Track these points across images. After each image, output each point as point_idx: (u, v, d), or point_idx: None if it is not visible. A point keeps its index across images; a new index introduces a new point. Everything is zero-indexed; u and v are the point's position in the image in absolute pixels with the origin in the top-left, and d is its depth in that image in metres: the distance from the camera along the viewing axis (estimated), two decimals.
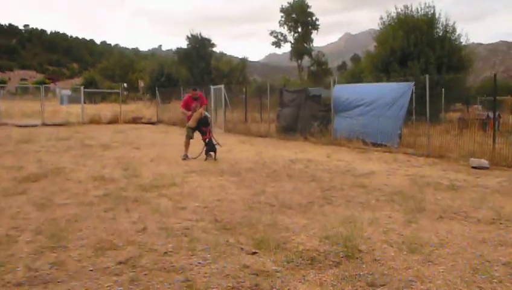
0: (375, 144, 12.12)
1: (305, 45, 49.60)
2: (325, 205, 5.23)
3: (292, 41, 49.52)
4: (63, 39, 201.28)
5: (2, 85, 63.39)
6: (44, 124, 20.09)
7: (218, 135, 15.39)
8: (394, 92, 12.79)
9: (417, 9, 25.48)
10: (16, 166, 7.69)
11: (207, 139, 9.43)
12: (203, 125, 9.53)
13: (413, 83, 12.75)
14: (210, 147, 9.38)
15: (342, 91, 14.31)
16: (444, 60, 23.51)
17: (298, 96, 15.46)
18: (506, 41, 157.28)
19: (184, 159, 9.41)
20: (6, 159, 8.61)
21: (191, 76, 42.26)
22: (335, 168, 8.38)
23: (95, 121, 21.77)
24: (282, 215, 4.69)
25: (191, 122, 9.64)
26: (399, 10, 25.61)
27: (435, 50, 23.51)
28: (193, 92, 9.84)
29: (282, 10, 48.59)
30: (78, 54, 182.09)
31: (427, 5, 25.10)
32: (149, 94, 43.98)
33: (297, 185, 6.41)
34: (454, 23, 24.90)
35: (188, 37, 42.90)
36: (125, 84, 60.18)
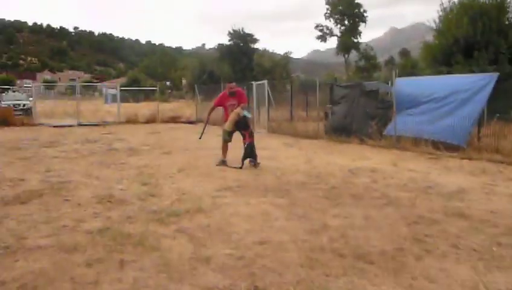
0: (447, 148, 10.02)
1: (352, 38, 46.94)
2: (424, 256, 3.39)
3: (338, 35, 47.00)
4: (110, 39, 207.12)
5: (50, 84, 64.99)
6: (80, 125, 19.22)
7: (261, 137, 13.76)
8: (473, 85, 10.60)
9: None
10: (15, 178, 6.34)
11: (246, 143, 7.80)
12: (242, 128, 7.91)
13: (497, 74, 10.49)
14: (249, 153, 7.76)
15: (406, 85, 12.21)
16: None
17: (351, 92, 13.50)
18: None
19: (219, 165, 7.83)
20: (11, 169, 7.33)
21: (233, 73, 40.91)
22: (410, 182, 6.46)
23: (131, 120, 20.70)
24: (362, 279, 2.92)
25: (228, 125, 8.04)
26: None
27: (507, 38, 20.65)
28: (229, 86, 8.22)
29: (328, 2, 46.15)
30: (124, 54, 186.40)
31: None
32: (191, 92, 43.11)
33: (369, 213, 4.59)
34: None
35: (230, 32, 41.54)
36: (167, 83, 59.98)
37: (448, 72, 18.60)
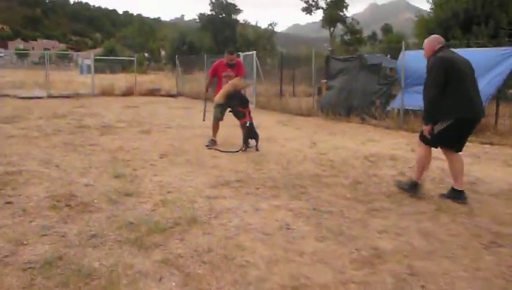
0: None
1: (337, 11, 45.35)
2: None
3: (324, 7, 45.31)
4: (86, 9, 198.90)
5: (23, 51, 61.49)
6: (50, 96, 17.43)
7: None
8: (492, 60, 9.47)
9: None
10: None
11: (247, 123, 6.51)
12: (240, 105, 6.60)
13: None
14: (250, 133, 6.49)
15: (415, 59, 10.98)
16: None
17: (351, 66, 12.21)
18: None
19: (210, 146, 6.56)
20: None
21: (215, 44, 39.02)
22: (446, 176, 5.30)
23: (107, 92, 18.96)
24: None
25: (219, 98, 6.73)
26: None
27: (508, 12, 19.59)
28: (229, 55, 6.83)
29: None
30: (101, 24, 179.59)
31: None
32: (170, 64, 41.05)
33: (425, 227, 3.39)
34: None
35: (211, 2, 39.38)
36: (146, 54, 57.25)
37: (448, 47, 17.50)
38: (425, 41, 4.38)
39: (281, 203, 3.91)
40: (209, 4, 39.71)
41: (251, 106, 15.17)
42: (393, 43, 45.44)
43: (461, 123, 4.01)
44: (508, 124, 9.09)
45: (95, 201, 3.78)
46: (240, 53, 16.83)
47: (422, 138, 4.24)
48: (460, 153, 4.29)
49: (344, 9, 46.59)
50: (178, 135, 8.07)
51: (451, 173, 4.31)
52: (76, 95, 18.09)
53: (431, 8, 22.59)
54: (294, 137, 8.28)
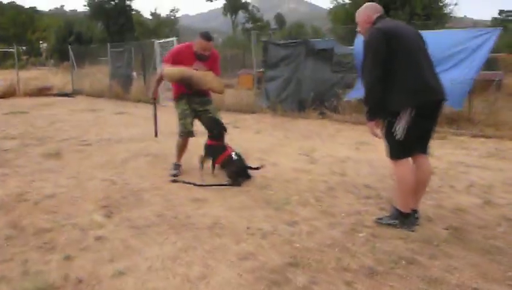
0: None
1: None
2: None
3: None
4: None
5: None
6: None
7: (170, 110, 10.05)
8: (468, 42, 8.32)
9: None
10: None
11: (233, 156, 4.25)
12: (215, 129, 4.32)
13: (501, 29, 8.32)
14: (238, 171, 4.23)
15: None
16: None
17: (295, 52, 10.38)
18: None
19: (176, 178, 4.19)
20: None
21: (108, 35, 34.73)
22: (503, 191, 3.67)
23: None
24: None
25: (173, 74, 4.34)
26: None
27: None
28: (204, 41, 4.30)
29: None
30: None
31: None
32: (54, 58, 35.69)
33: None
34: None
35: None
36: (23, 47, 49.53)
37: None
38: (358, 12, 3.25)
39: None
40: None
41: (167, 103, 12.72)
42: (294, 30, 45.43)
43: (423, 111, 2.91)
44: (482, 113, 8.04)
45: None
46: (155, 40, 14.11)
47: (392, 153, 3.07)
48: (426, 154, 3.16)
49: None
50: (106, 156, 5.43)
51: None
52: None
53: None
54: (269, 147, 6.15)
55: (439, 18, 20.47)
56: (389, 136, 3.00)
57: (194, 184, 4.06)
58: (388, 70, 2.89)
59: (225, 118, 9.37)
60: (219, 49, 14.89)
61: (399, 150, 3.01)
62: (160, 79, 4.83)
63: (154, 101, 5.72)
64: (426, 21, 18.82)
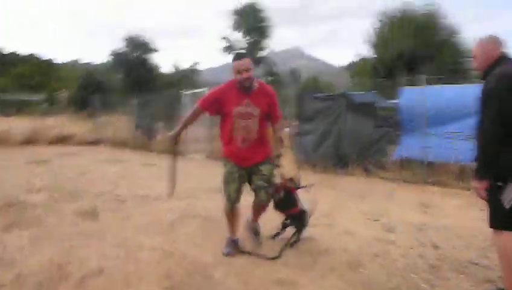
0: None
1: (259, 52, 44.41)
2: None
3: (246, 46, 43.95)
4: None
5: None
6: None
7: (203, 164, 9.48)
8: None
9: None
10: None
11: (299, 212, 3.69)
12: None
13: None
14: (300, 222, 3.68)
15: (411, 98, 8.92)
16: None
17: (333, 105, 9.87)
18: None
19: (229, 252, 3.49)
20: None
21: (127, 85, 35.08)
22: None
23: (1, 140, 14.41)
24: None
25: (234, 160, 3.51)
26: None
27: (451, 49, 19.47)
28: (236, 62, 3.29)
29: (236, 12, 43.00)
30: None
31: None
32: (73, 106, 35.96)
33: None
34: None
35: (126, 39, 35.70)
36: (41, 96, 50.24)
37: (392, 87, 16.53)
38: (477, 42, 2.79)
39: None
40: (124, 40, 35.85)
41: (201, 157, 12.18)
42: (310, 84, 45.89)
43: None
44: None
45: None
46: (180, 91, 13.85)
47: (496, 221, 2.63)
48: None
49: (263, 51, 45.87)
50: (148, 217, 4.75)
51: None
52: None
53: (373, 49, 21.75)
54: (326, 209, 5.42)
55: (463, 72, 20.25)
56: (494, 201, 2.60)
57: (267, 258, 3.34)
58: (509, 126, 2.50)
59: None
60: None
61: (503, 220, 2.59)
62: (189, 122, 3.58)
63: (174, 147, 3.78)
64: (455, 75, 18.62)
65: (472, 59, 2.87)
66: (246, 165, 3.46)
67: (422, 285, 2.94)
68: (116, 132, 16.21)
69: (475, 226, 4.62)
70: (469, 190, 7.14)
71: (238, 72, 3.24)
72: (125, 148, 13.96)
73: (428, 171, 7.94)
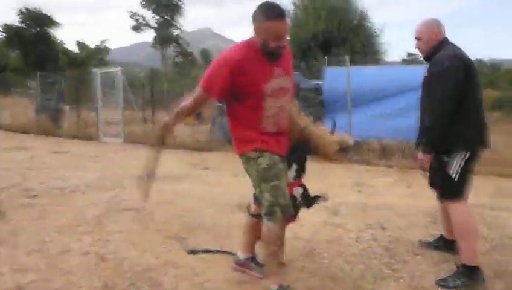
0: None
1: (170, 31, 42.89)
2: None
3: (156, 26, 42.09)
4: None
5: None
6: None
7: (123, 149, 8.84)
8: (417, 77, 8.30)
9: None
10: None
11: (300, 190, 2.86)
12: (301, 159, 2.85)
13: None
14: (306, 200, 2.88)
15: (336, 78, 9.12)
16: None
17: None
18: None
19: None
20: None
21: (25, 64, 31.80)
22: None
23: None
24: None
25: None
26: None
27: (360, 36, 20.34)
28: (275, 22, 2.21)
29: None
30: None
31: None
32: None
33: None
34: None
35: (21, 12, 32.15)
36: None
37: (307, 67, 16.95)
38: (421, 25, 2.84)
39: None
40: (18, 15, 32.24)
41: (118, 140, 11.32)
42: None
43: (474, 156, 2.71)
44: None
45: None
46: (93, 69, 12.73)
47: (448, 193, 2.72)
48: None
49: (176, 29, 44.50)
50: (69, 213, 4.12)
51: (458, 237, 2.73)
52: None
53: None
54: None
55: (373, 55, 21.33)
56: (443, 175, 2.70)
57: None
58: (460, 104, 2.60)
59: (190, 158, 8.33)
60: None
61: (455, 190, 2.68)
62: (193, 108, 2.49)
63: (163, 138, 2.64)
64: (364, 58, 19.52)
65: (416, 41, 2.89)
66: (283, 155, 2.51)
67: (385, 271, 2.83)
68: (14, 116, 14.49)
69: (408, 203, 4.72)
70: (391, 167, 7.44)
71: (276, 36, 2.24)
72: (27, 134, 12.51)
73: (352, 150, 8.12)
